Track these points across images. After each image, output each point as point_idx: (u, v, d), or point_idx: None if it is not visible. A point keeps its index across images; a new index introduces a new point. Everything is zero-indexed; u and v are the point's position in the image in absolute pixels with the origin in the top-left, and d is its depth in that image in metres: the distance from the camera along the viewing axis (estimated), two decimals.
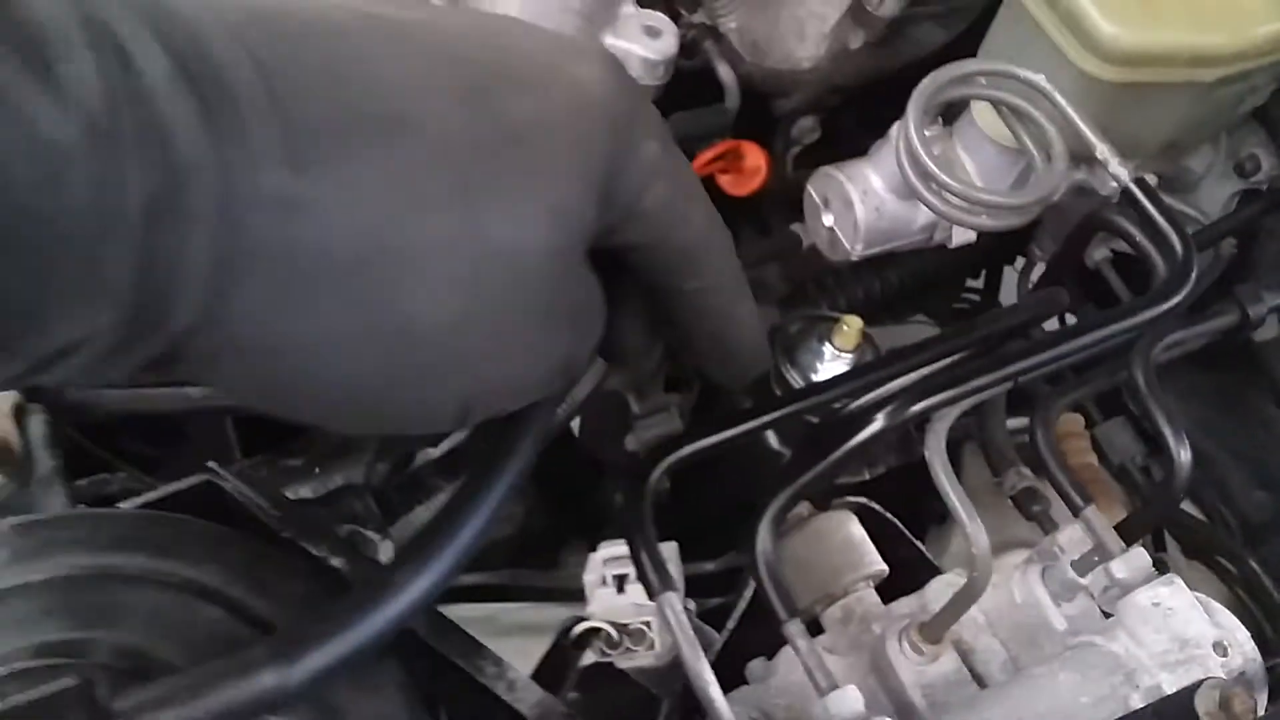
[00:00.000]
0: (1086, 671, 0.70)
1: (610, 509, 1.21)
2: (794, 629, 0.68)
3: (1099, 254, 1.19)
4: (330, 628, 0.51)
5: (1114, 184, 0.75)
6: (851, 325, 1.10)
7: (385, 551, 0.84)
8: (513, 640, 0.99)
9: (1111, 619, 0.75)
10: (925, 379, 0.75)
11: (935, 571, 0.90)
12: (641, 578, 0.66)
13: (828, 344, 1.13)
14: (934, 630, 0.75)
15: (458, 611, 0.97)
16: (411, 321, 0.42)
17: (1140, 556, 0.72)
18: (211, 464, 0.64)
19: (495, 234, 0.43)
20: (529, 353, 0.49)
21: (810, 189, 0.99)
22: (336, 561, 0.65)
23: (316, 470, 1.05)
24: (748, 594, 0.86)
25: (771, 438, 1.20)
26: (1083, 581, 0.83)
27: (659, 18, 1.00)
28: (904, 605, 0.84)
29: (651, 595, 0.66)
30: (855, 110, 1.24)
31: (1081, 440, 1.19)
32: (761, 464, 1.20)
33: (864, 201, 0.95)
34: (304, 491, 1.03)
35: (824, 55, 1.12)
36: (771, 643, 0.85)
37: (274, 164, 0.36)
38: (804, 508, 0.88)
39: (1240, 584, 1.09)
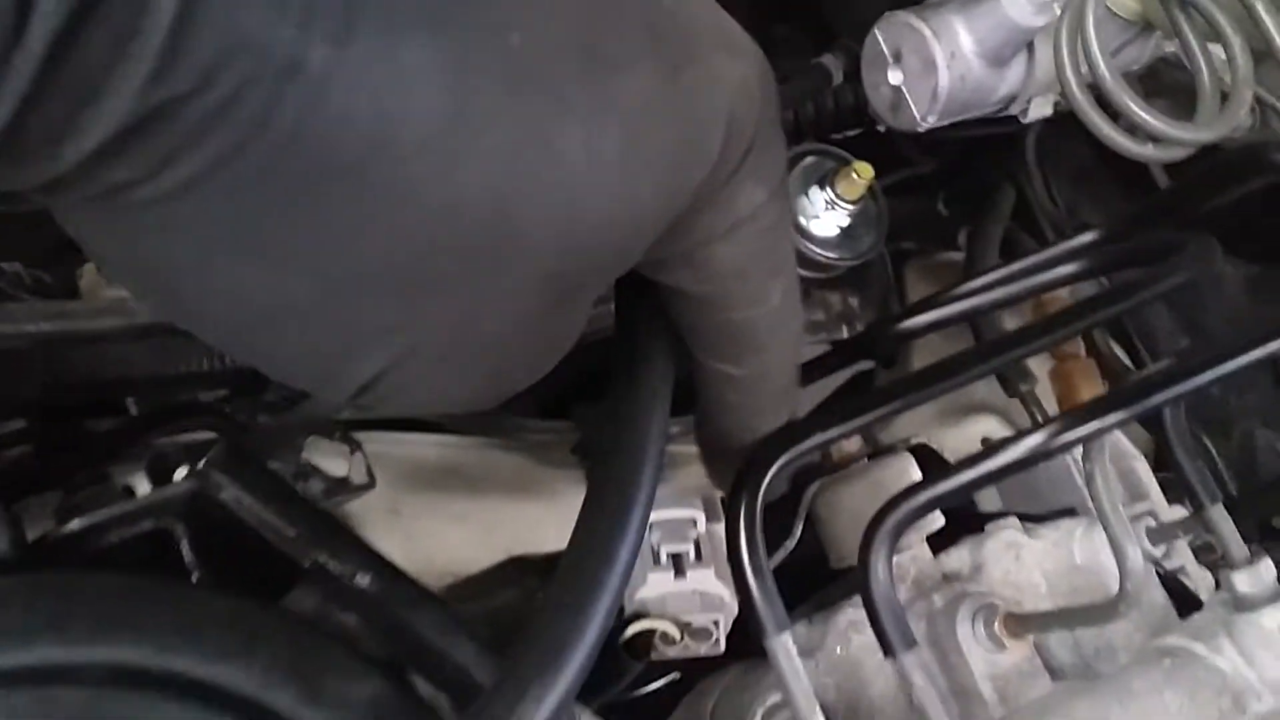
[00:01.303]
0: (1193, 691, 0.64)
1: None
2: (909, 663, 0.57)
3: None
4: None
5: None
6: (862, 174, 0.95)
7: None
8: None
9: (1206, 620, 0.68)
10: None
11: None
12: (750, 614, 0.54)
13: (829, 190, 0.98)
14: (1024, 627, 0.67)
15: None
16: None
17: (1268, 571, 0.64)
18: (201, 466, 0.47)
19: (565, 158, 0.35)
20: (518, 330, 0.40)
21: (879, 35, 0.82)
22: (364, 579, 0.50)
23: None
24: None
25: None
26: (1155, 553, 0.77)
27: None
28: (955, 560, 0.76)
29: (763, 636, 0.54)
30: None
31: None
32: None
33: (950, 66, 0.78)
34: None
35: None
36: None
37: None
38: (859, 447, 0.77)
39: None
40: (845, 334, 1.07)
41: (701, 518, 0.63)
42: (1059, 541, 0.75)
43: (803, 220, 0.99)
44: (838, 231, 0.99)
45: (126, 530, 0.47)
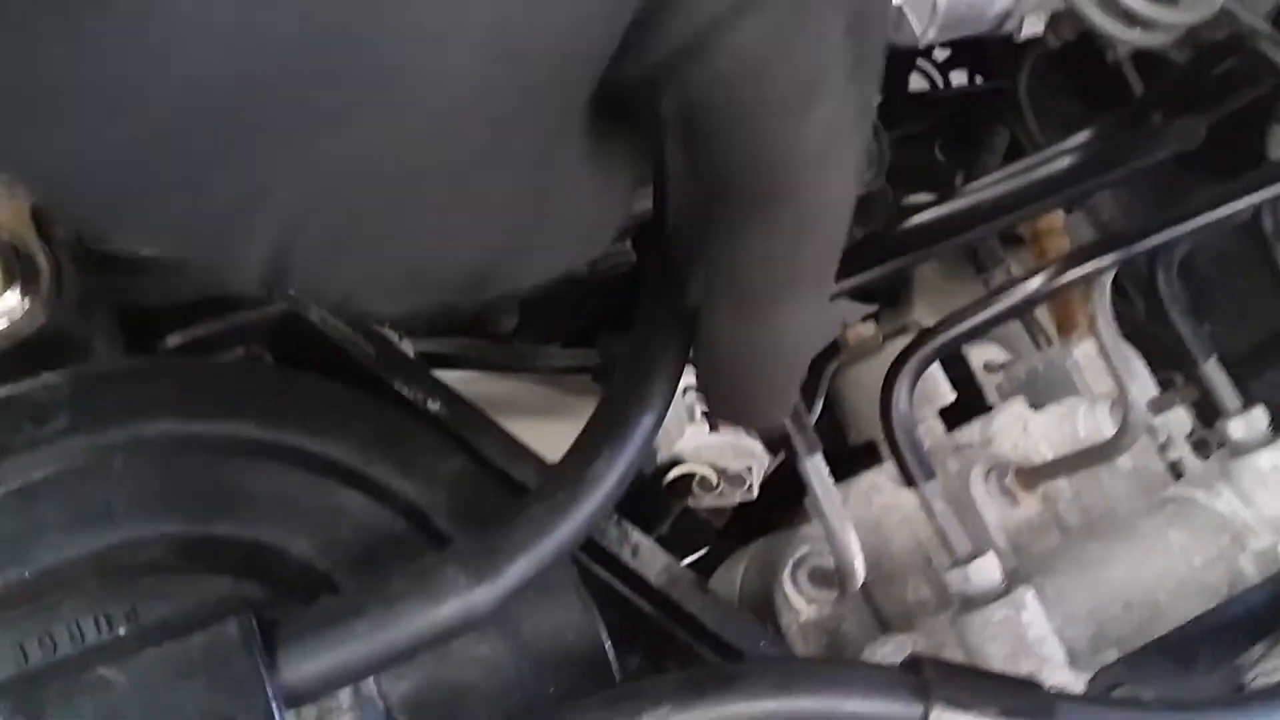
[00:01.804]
0: (1195, 531, 0.69)
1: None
2: (930, 491, 0.62)
3: (1121, 49, 1.13)
4: (528, 536, 0.42)
5: None
6: None
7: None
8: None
9: (1206, 470, 0.74)
10: None
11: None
12: (786, 438, 0.59)
13: None
14: (1034, 478, 0.72)
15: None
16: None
17: (1260, 418, 0.70)
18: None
19: None
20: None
21: None
22: (434, 405, 0.55)
23: None
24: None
25: None
26: (1155, 422, 0.81)
27: None
28: (968, 434, 0.81)
29: (796, 458, 0.59)
30: None
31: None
32: None
33: None
34: None
35: None
36: None
37: None
38: (874, 331, 0.82)
39: None
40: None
41: None
42: (1064, 416, 0.80)
43: None
44: None
45: (218, 352, 0.52)
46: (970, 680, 0.45)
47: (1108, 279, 0.63)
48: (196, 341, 0.51)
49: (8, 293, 0.45)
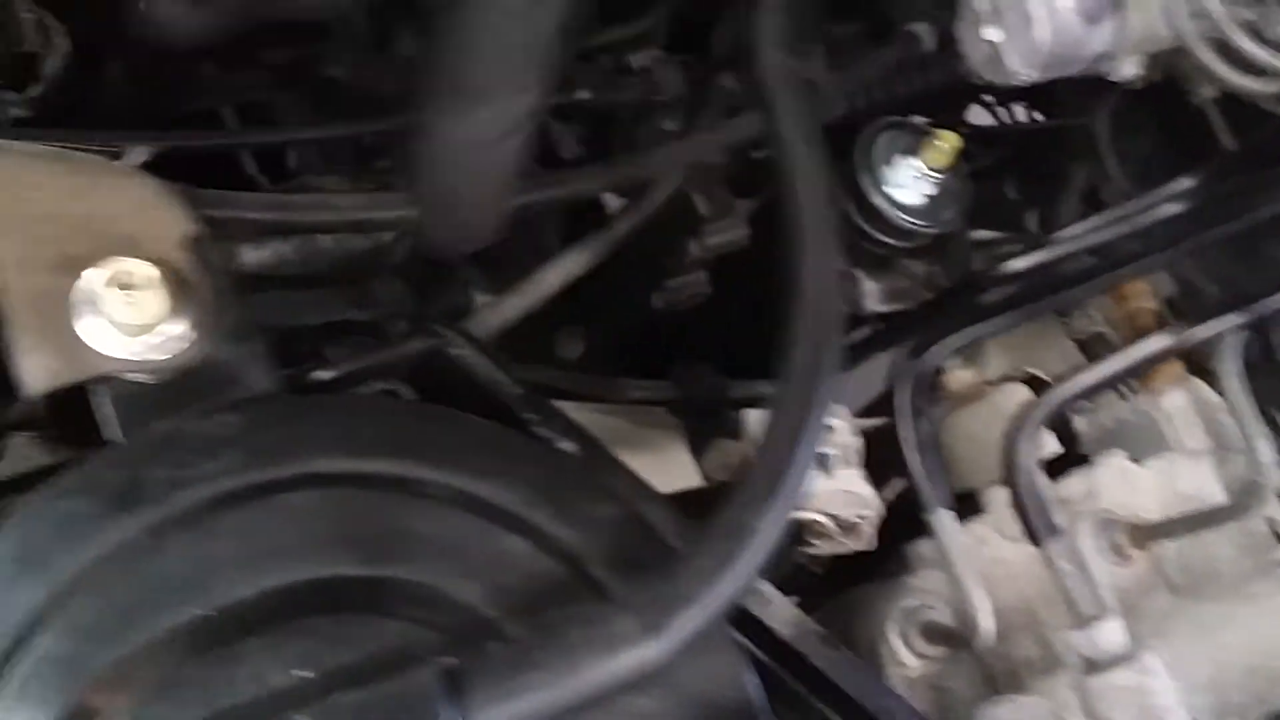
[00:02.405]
0: None
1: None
2: (1055, 549, 0.62)
3: (1207, 91, 1.13)
4: (696, 589, 0.42)
5: None
6: (947, 141, 1.01)
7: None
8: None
9: None
10: None
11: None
12: (916, 488, 0.59)
13: (916, 159, 1.04)
14: (1147, 537, 0.71)
15: None
16: None
17: None
18: (438, 327, 0.52)
19: None
20: None
21: None
22: (567, 445, 0.55)
23: None
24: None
25: None
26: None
27: None
28: (1069, 487, 0.80)
29: (924, 510, 0.59)
30: None
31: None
32: None
33: (1051, 19, 0.84)
34: None
35: None
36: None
37: None
38: (975, 377, 0.82)
39: None
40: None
41: (842, 424, 0.68)
42: (1164, 470, 0.80)
43: (889, 189, 1.04)
44: (923, 200, 1.05)
45: (361, 386, 0.52)
46: None
47: (1239, 339, 0.63)
48: (342, 377, 0.51)
49: (174, 323, 0.45)
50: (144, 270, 0.43)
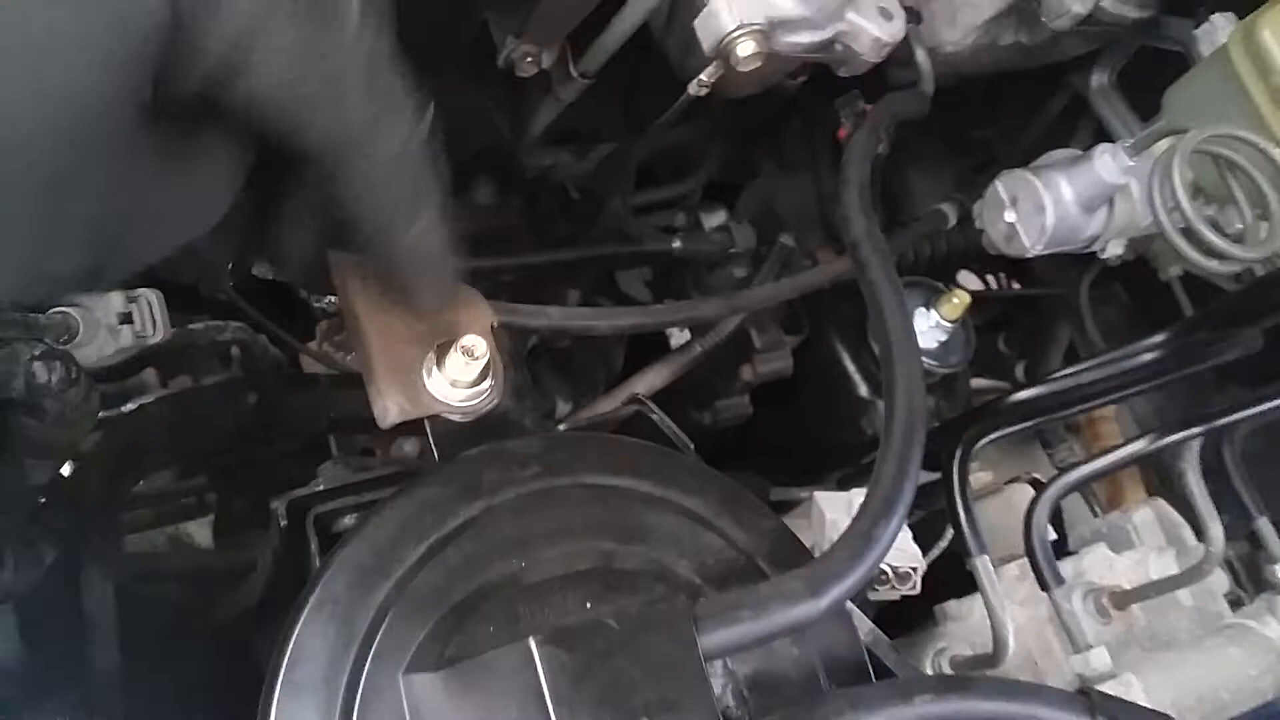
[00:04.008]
0: (1249, 649, 0.92)
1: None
2: (1060, 593, 0.85)
3: (1173, 270, 1.41)
4: (847, 568, 0.64)
5: None
6: (960, 299, 1.28)
7: None
8: None
9: (1257, 606, 0.97)
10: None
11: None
12: (959, 537, 0.82)
13: (933, 310, 1.31)
14: (1126, 599, 0.95)
15: None
16: None
17: None
18: (639, 395, 0.75)
19: None
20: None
21: (999, 186, 1.15)
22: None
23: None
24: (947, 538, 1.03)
25: (862, 387, 1.38)
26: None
27: (894, 1, 1.11)
28: (1066, 567, 1.04)
29: (968, 554, 0.82)
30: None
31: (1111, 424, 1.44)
32: (843, 407, 1.39)
33: (1055, 208, 1.11)
34: None
35: (969, 44, 1.26)
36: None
37: None
38: (992, 478, 1.06)
39: None
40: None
41: None
42: (1136, 559, 1.04)
43: None
44: (936, 345, 1.32)
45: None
46: (1122, 704, 0.67)
47: (1197, 445, 0.88)
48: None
49: (486, 382, 0.69)
50: (482, 346, 0.67)
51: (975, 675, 0.76)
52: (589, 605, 0.61)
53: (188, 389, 1.12)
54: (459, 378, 0.67)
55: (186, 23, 0.44)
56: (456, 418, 0.69)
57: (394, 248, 0.60)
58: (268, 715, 0.57)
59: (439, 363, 0.68)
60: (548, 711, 0.54)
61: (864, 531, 0.66)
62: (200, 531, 1.26)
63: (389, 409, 0.68)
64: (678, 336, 1.34)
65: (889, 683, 0.65)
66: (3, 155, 0.43)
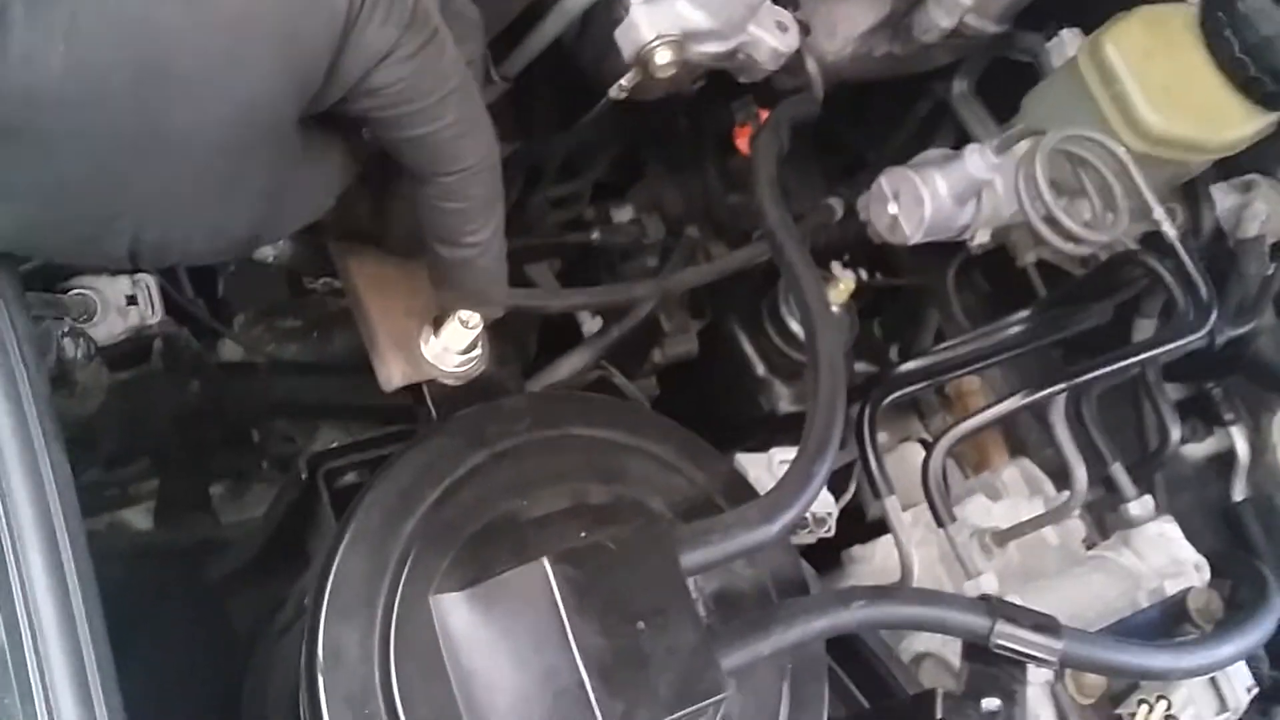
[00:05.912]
0: (1109, 576, 1.09)
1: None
2: (953, 529, 1.01)
3: (1029, 256, 1.60)
4: (794, 499, 0.78)
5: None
6: (846, 284, 1.44)
7: None
8: None
9: (1113, 540, 1.14)
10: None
11: None
12: (870, 479, 0.97)
13: None
14: (1007, 536, 1.11)
15: None
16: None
17: (1149, 502, 1.11)
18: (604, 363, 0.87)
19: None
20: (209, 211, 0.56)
21: (883, 181, 1.30)
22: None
23: (314, 334, 1.25)
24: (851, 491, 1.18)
25: (759, 366, 1.52)
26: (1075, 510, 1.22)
27: (788, 15, 1.26)
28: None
29: (879, 495, 0.97)
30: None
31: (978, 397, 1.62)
32: (744, 385, 1.52)
33: (932, 201, 1.27)
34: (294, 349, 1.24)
35: (846, 54, 1.42)
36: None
37: None
38: (885, 437, 1.21)
39: None
40: None
41: None
42: (1009, 506, 1.21)
43: (793, 322, 1.46)
44: None
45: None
46: (1015, 608, 0.82)
47: (1063, 400, 1.05)
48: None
49: (476, 350, 0.80)
50: (476, 318, 0.78)
51: (899, 586, 0.90)
52: (583, 535, 0.72)
53: (136, 376, 1.19)
54: (453, 346, 0.78)
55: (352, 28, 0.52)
56: (450, 381, 0.80)
57: (459, 251, 0.69)
58: (315, 637, 0.67)
59: (435, 332, 0.78)
60: (561, 618, 0.65)
61: (804, 470, 0.80)
62: (137, 518, 1.32)
63: (393, 375, 0.78)
64: (589, 324, 1.46)
65: (829, 592, 0.79)
66: (211, 124, 0.51)
